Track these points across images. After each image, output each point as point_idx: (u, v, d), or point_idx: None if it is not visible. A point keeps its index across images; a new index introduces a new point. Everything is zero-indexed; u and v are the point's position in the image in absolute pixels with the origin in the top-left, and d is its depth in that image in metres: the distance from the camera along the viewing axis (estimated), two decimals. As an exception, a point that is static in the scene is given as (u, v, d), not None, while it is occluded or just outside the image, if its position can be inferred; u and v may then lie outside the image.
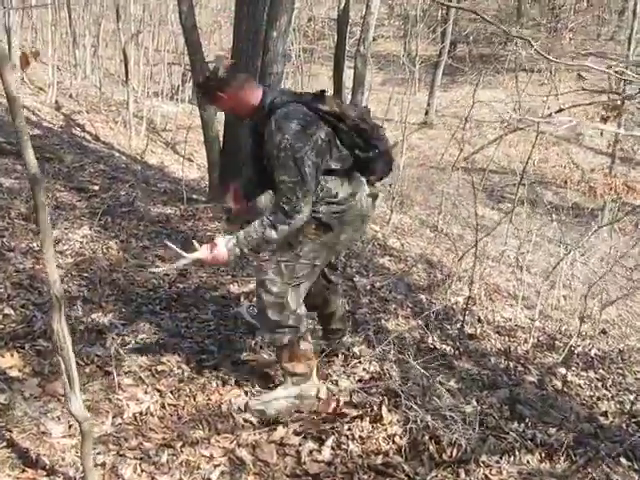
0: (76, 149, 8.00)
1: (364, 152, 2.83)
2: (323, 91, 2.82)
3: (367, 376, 3.28)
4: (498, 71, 19.36)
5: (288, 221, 2.58)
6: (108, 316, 3.41)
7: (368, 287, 4.79)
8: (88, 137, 9.36)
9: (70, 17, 15.71)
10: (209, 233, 5.21)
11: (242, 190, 3.14)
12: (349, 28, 9.50)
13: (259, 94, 2.75)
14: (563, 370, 4.10)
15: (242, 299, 4.04)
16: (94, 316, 3.38)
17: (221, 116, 6.89)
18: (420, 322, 4.39)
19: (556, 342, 4.76)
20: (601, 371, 4.28)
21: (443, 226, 9.32)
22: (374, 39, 23.98)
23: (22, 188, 5.20)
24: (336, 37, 8.78)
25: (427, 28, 20.47)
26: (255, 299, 3.07)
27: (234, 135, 5.97)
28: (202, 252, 2.61)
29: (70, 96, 12.69)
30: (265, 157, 2.66)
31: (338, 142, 2.78)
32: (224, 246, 2.61)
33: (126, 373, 2.95)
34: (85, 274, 3.89)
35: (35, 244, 4.15)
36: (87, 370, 2.91)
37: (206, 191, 6.73)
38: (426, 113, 19.15)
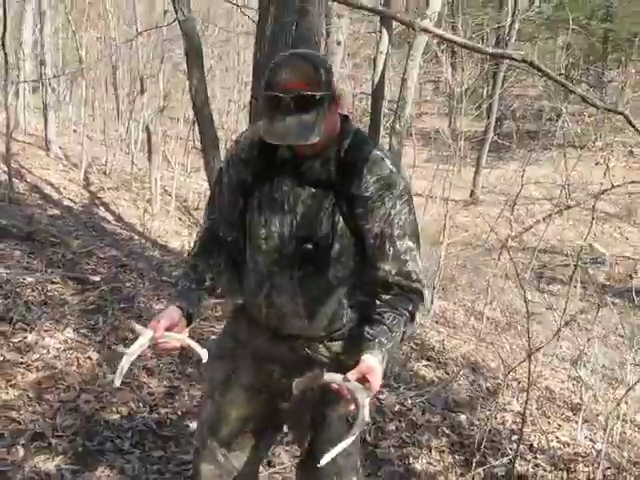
0: (91, 231, 7.49)
1: None
2: None
3: None
4: (546, 147, 18.70)
5: (420, 307, 1.76)
6: (57, 459, 2.68)
7: (397, 407, 3.99)
8: (109, 217, 8.88)
9: (116, 90, 15.82)
10: (213, 336, 4.51)
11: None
12: (387, 104, 9.03)
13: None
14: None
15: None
16: (38, 459, 2.65)
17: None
18: (458, 457, 3.58)
19: (625, 475, 3.88)
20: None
21: (489, 314, 8.53)
22: (419, 115, 23.66)
23: (9, 279, 4.61)
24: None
25: (472, 104, 20.03)
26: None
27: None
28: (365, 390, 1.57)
29: (104, 173, 12.42)
30: (359, 222, 1.73)
31: None
32: (380, 366, 1.63)
33: None
34: (47, 396, 3.19)
35: (-1, 357, 3.51)
36: None
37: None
38: (472, 190, 18.54)
